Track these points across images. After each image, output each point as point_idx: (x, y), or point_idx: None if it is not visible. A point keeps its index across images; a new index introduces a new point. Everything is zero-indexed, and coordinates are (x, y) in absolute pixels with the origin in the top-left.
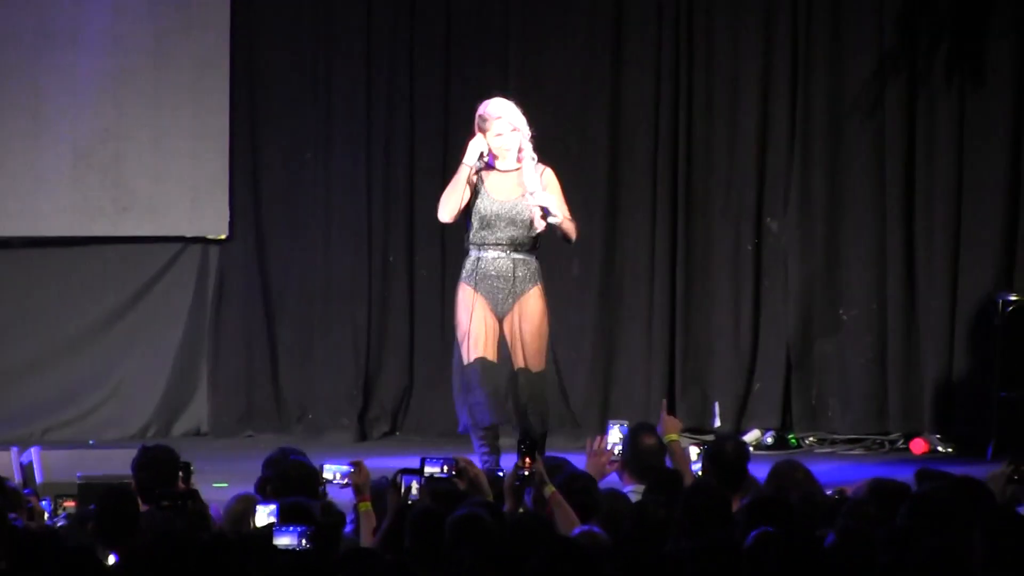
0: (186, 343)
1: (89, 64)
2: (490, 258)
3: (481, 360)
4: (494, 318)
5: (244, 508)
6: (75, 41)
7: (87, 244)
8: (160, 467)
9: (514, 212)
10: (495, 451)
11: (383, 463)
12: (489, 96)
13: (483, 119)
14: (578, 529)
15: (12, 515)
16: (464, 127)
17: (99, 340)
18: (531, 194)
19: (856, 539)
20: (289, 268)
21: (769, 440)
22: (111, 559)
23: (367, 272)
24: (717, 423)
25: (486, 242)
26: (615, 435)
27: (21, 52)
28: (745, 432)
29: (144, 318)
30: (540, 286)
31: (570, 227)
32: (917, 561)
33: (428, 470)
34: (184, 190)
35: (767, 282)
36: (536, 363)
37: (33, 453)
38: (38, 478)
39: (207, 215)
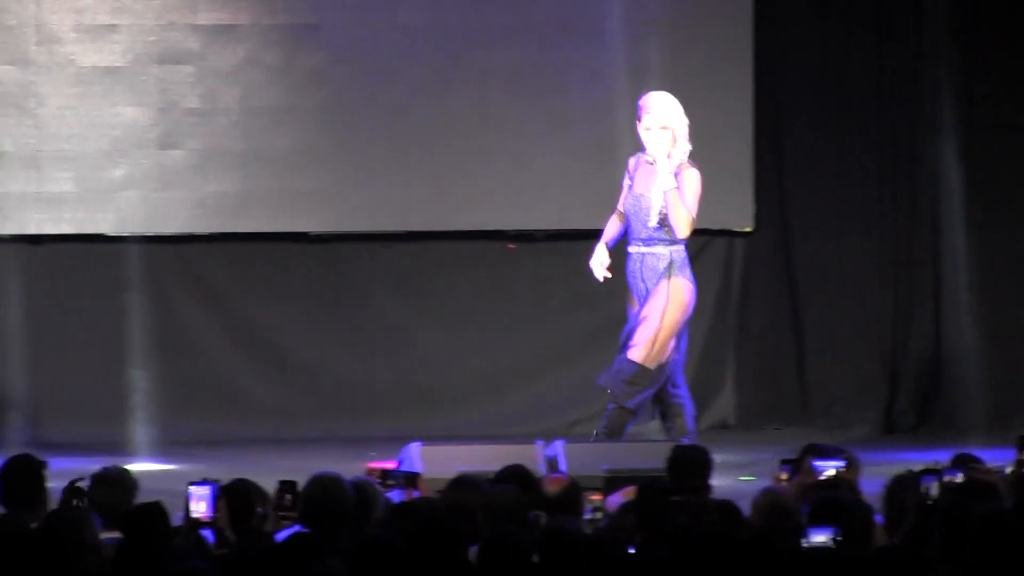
0: (713, 335)
1: (609, 57)
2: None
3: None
4: None
5: (770, 502)
6: (597, 34)
7: None
8: (687, 467)
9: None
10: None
11: (908, 457)
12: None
13: (639, 108)
14: None
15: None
16: (986, 119)
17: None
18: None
19: None
20: (814, 259)
21: None
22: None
23: (893, 261)
24: None
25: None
26: None
27: (542, 46)
28: None
29: None
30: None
31: (680, 219)
32: None
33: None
34: (707, 181)
35: None
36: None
37: (558, 446)
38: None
39: (732, 207)
